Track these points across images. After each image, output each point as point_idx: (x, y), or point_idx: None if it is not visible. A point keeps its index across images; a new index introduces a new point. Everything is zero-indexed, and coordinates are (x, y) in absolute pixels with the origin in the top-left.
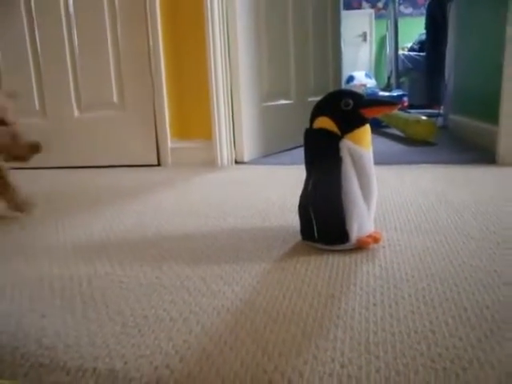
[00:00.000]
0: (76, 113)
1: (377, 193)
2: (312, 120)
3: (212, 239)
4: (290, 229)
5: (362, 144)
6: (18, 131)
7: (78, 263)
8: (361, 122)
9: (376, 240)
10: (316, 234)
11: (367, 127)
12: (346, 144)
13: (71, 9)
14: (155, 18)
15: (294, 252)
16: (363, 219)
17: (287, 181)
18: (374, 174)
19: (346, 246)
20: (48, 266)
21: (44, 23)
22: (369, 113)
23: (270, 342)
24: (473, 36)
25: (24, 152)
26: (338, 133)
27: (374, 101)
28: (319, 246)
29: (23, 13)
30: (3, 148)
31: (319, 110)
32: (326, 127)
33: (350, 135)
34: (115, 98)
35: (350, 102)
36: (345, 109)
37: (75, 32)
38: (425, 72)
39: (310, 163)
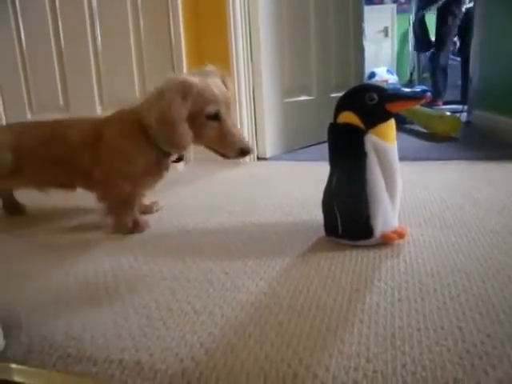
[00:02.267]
0: (99, 109)
1: (401, 188)
2: (336, 114)
3: (235, 234)
4: (312, 224)
5: (387, 139)
6: (229, 129)
7: (102, 257)
8: (385, 116)
9: (401, 235)
10: (340, 230)
11: (392, 122)
12: (371, 139)
13: (94, 5)
14: (177, 15)
15: (318, 247)
16: (388, 215)
17: (309, 177)
18: (399, 169)
19: (371, 241)
20: (74, 260)
21: (68, 20)
22: (393, 107)
23: (294, 336)
24: (499, 30)
25: (230, 154)
26: (363, 127)
27: (398, 95)
28: (343, 241)
29: (48, 11)
30: (212, 145)
31: (343, 104)
32: (350, 122)
33: (374, 130)
34: (138, 94)
35: (375, 96)
36: (369, 103)
37: (98, 29)
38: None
39: (334, 158)
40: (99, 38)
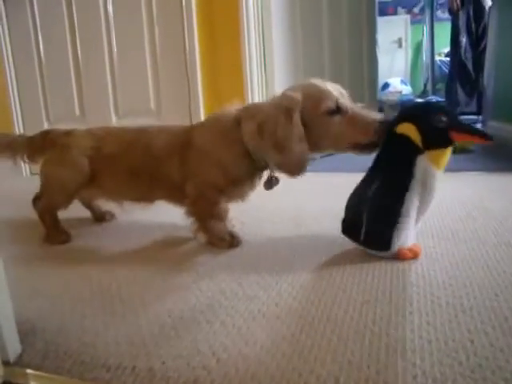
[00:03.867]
0: (114, 119)
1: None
2: (397, 123)
3: (247, 245)
4: (324, 236)
5: (439, 165)
6: (356, 114)
7: (115, 266)
8: (446, 143)
9: (415, 255)
10: (362, 237)
11: (448, 150)
12: (424, 162)
13: (111, 16)
14: (191, 23)
15: (329, 259)
16: (409, 233)
17: (321, 188)
18: (434, 198)
19: (385, 254)
20: (87, 269)
21: (85, 31)
22: (458, 137)
23: (305, 347)
24: None
25: (369, 137)
26: (420, 145)
27: (466, 126)
28: (358, 245)
29: (66, 23)
30: (349, 139)
31: (408, 115)
32: (409, 135)
33: (430, 152)
34: (152, 105)
35: (444, 119)
36: (436, 125)
37: (114, 40)
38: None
39: (380, 165)
40: (115, 49)
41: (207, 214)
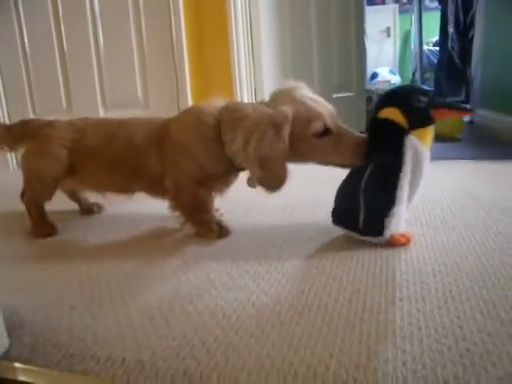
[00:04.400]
0: (101, 110)
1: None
2: (378, 109)
3: (237, 235)
4: (314, 225)
5: (425, 142)
6: (344, 136)
7: (105, 258)
8: (429, 121)
9: (408, 240)
10: (361, 223)
11: (432, 128)
12: (412, 141)
13: (96, 8)
14: (178, 14)
15: (319, 247)
16: (401, 218)
17: (311, 178)
18: (424, 176)
19: (378, 239)
20: (76, 261)
21: (70, 23)
22: (439, 114)
23: (295, 335)
24: (503, 27)
25: (353, 160)
26: (406, 127)
27: (445, 103)
28: (351, 233)
29: (50, 12)
30: (329, 157)
31: (389, 100)
32: (393, 118)
33: (416, 132)
34: (140, 96)
35: (424, 99)
36: (417, 105)
37: (100, 31)
38: None
39: (371, 152)
40: (101, 41)
41: (190, 207)
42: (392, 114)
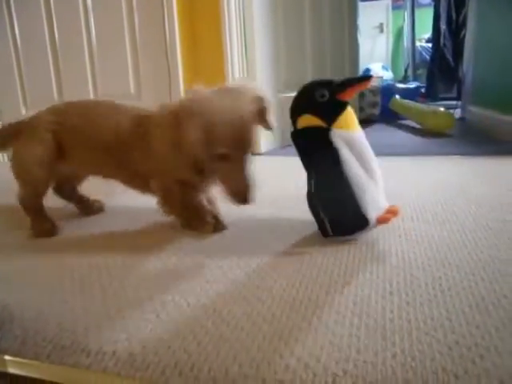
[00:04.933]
0: None
1: (379, 169)
2: (294, 121)
3: (229, 228)
4: (306, 219)
5: (350, 127)
6: (233, 174)
7: (96, 251)
8: (341, 107)
9: (395, 213)
10: (330, 230)
11: (349, 109)
12: (337, 134)
13: (89, 1)
14: (171, 6)
15: (311, 241)
16: (376, 199)
17: (304, 172)
18: (371, 151)
19: (369, 228)
20: (67, 254)
21: (62, 14)
22: (346, 96)
23: (286, 328)
24: (494, 25)
25: (229, 196)
26: (325, 126)
27: (346, 83)
28: (343, 238)
29: (42, 7)
30: (220, 181)
31: (297, 109)
32: (310, 125)
33: (336, 124)
34: (132, 89)
35: (325, 92)
36: (322, 100)
37: (93, 22)
38: None
39: (307, 163)
40: (93, 34)
41: (181, 209)
42: (307, 120)
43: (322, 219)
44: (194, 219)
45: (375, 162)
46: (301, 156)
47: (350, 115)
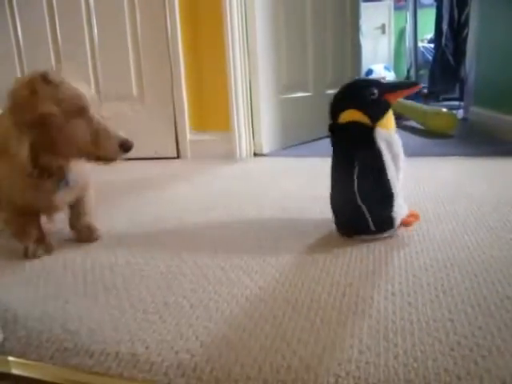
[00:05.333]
0: None
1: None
2: (336, 114)
3: (231, 229)
4: (308, 219)
5: (390, 127)
6: (102, 126)
7: (99, 252)
8: (386, 107)
9: (417, 217)
10: (373, 227)
11: (391, 111)
12: (381, 133)
13: (91, 3)
14: (174, 8)
15: (313, 242)
16: (400, 201)
17: (306, 173)
18: (403, 154)
19: (390, 232)
20: (70, 255)
21: (64, 15)
22: (393, 98)
23: (288, 329)
24: (497, 25)
25: (111, 152)
26: (370, 123)
27: (395, 85)
28: (368, 237)
29: (44, 6)
30: (85, 147)
31: (344, 103)
32: (355, 120)
33: (380, 123)
34: (134, 91)
35: (375, 90)
36: (372, 98)
37: (95, 25)
38: None
39: (348, 159)
40: (96, 34)
41: (11, 223)
42: (352, 115)
43: (362, 217)
44: (20, 234)
45: (404, 163)
46: (339, 151)
47: (391, 116)
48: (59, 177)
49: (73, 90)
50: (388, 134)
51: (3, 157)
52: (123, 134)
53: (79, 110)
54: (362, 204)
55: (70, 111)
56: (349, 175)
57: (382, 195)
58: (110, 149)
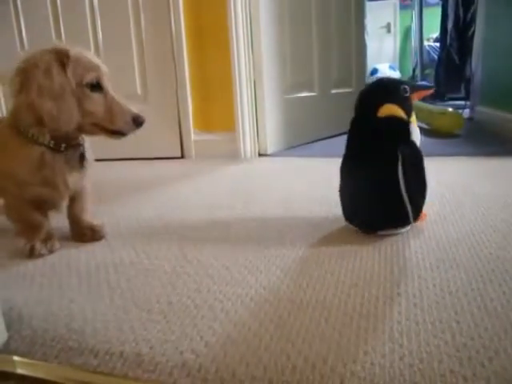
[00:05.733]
0: None
1: None
2: (375, 107)
3: (236, 229)
4: (312, 219)
5: (415, 124)
6: (116, 99)
7: (104, 252)
8: (412, 105)
9: (425, 215)
10: (412, 217)
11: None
12: (413, 128)
13: (95, 3)
14: (178, 8)
15: (318, 242)
16: None
17: (310, 173)
18: None
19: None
20: (75, 254)
21: (69, 17)
22: (418, 96)
23: (293, 329)
24: (503, 24)
25: (124, 126)
26: (406, 118)
27: (419, 86)
28: (390, 232)
29: (49, 7)
30: (100, 119)
31: (380, 97)
32: (395, 114)
33: (411, 119)
34: (139, 91)
35: (407, 88)
36: (405, 95)
37: (99, 24)
38: None
39: (389, 152)
40: (100, 35)
41: (18, 221)
42: (392, 110)
43: (401, 208)
44: (26, 232)
45: None
46: (377, 144)
47: (414, 114)
48: (74, 149)
49: (90, 63)
50: (416, 129)
51: (16, 139)
52: (134, 108)
53: (96, 83)
54: (406, 196)
55: (87, 83)
56: (390, 167)
57: (421, 186)
58: (124, 123)
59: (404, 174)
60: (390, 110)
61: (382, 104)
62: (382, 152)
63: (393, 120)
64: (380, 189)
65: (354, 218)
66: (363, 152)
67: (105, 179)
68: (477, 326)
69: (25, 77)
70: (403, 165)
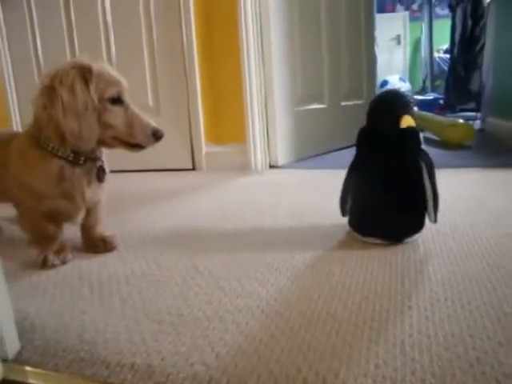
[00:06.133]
0: None
1: None
2: (397, 119)
3: (247, 241)
4: (323, 231)
5: None
6: (136, 113)
7: (115, 263)
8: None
9: None
10: (434, 219)
11: None
12: (421, 137)
13: (108, 17)
14: (189, 22)
15: (328, 254)
16: None
17: (321, 185)
18: None
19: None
20: (87, 265)
21: (82, 29)
22: None
23: (304, 342)
24: None
25: (144, 140)
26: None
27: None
28: (416, 235)
29: (63, 19)
30: (120, 133)
31: (403, 109)
32: (412, 125)
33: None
34: (151, 103)
35: (412, 100)
36: (412, 107)
37: (112, 38)
38: None
39: (411, 161)
40: (113, 46)
41: (32, 232)
42: (410, 121)
43: (421, 213)
44: (39, 243)
45: None
46: (400, 154)
47: None
48: (93, 162)
49: (112, 78)
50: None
51: (36, 151)
52: (154, 122)
53: (117, 97)
54: (432, 199)
55: (109, 98)
56: (415, 175)
57: (436, 192)
58: (144, 136)
59: (430, 178)
60: (408, 121)
61: (402, 116)
62: (406, 161)
63: (413, 130)
64: (407, 196)
65: (376, 231)
66: (384, 163)
67: (117, 190)
68: (490, 339)
69: (50, 94)
70: (429, 170)
